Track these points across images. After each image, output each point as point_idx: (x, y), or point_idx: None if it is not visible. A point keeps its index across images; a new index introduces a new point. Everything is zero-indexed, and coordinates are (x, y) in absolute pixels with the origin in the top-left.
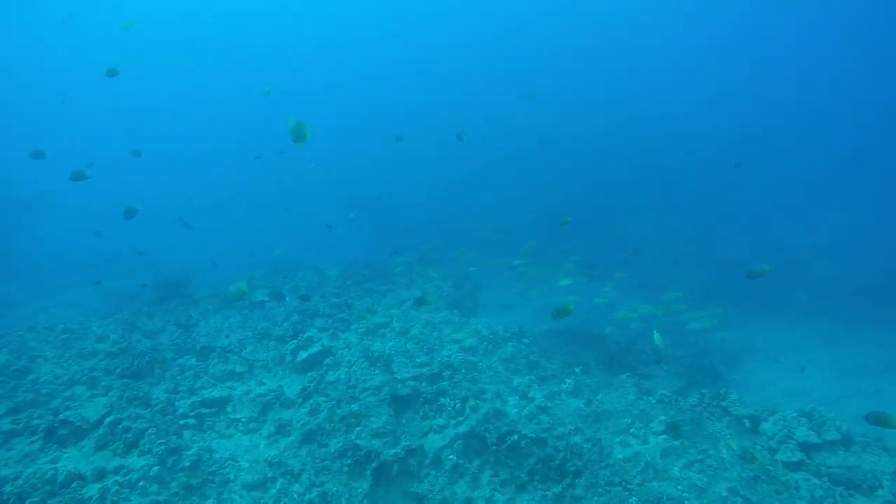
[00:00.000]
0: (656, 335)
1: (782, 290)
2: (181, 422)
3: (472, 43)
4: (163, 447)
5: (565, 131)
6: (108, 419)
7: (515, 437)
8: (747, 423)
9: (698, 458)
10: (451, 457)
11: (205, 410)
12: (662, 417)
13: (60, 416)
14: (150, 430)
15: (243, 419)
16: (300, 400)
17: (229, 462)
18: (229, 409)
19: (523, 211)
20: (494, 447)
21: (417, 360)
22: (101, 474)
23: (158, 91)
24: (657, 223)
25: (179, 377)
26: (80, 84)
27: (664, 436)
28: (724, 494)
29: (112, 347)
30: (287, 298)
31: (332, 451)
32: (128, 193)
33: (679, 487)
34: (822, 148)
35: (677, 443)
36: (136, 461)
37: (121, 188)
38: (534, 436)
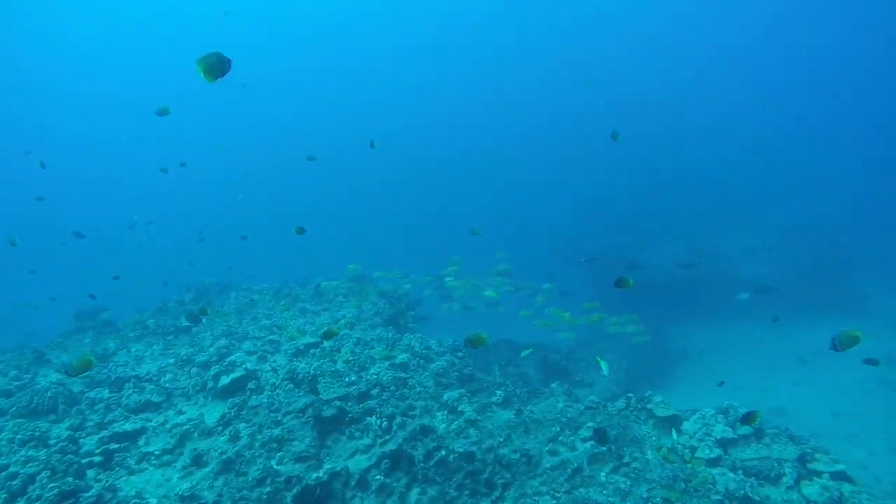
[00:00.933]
0: (602, 363)
1: (713, 293)
2: (84, 460)
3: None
4: (56, 491)
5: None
6: None
7: (443, 452)
8: (670, 424)
9: (624, 461)
10: (377, 477)
11: (114, 446)
12: (590, 424)
13: None
14: (43, 474)
15: (157, 452)
16: (220, 427)
17: (135, 500)
18: (142, 442)
19: (451, 226)
20: (422, 464)
21: (346, 379)
22: None
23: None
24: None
25: (87, 412)
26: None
27: (591, 442)
28: (645, 496)
29: (9, 385)
30: (204, 320)
31: (251, 479)
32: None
33: (605, 492)
34: (756, 152)
35: (604, 448)
36: None
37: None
38: (462, 450)
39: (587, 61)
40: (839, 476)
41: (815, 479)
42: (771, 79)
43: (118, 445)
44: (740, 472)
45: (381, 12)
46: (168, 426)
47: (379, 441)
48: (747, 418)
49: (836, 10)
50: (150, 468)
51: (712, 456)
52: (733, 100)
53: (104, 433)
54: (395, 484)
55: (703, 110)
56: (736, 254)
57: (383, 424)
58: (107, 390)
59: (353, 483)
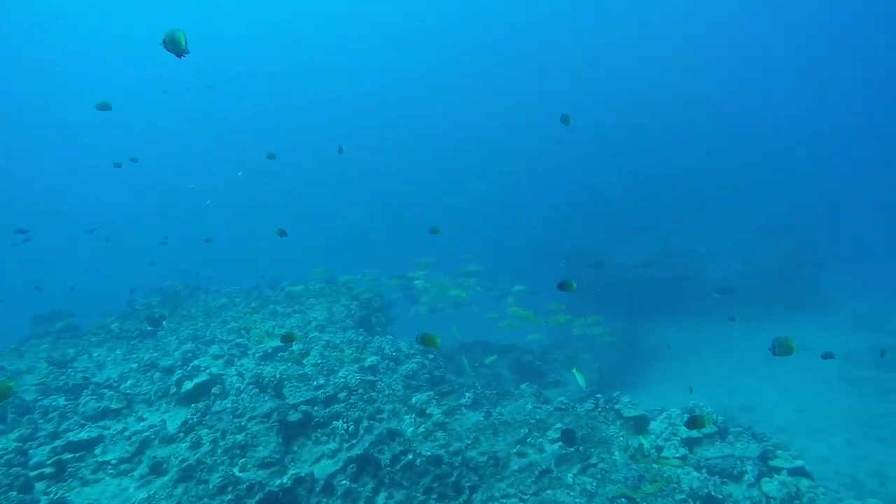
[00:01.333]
0: (578, 375)
1: (685, 292)
2: (33, 473)
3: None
4: None
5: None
6: None
7: (410, 456)
8: (638, 424)
9: (591, 462)
10: (343, 482)
11: (67, 456)
12: (559, 425)
13: None
14: None
15: (113, 461)
16: (181, 434)
17: None
18: (98, 451)
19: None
20: (388, 468)
21: (313, 382)
22: None
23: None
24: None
25: (40, 421)
26: None
27: (559, 443)
28: (611, 496)
29: None
30: (165, 324)
31: (212, 486)
32: None
33: (572, 493)
34: (729, 153)
35: (572, 449)
36: None
37: None
38: (429, 453)
39: (557, 63)
40: (798, 472)
41: (774, 475)
42: (744, 79)
43: (72, 455)
44: (704, 470)
45: (357, 5)
46: (127, 434)
47: (345, 445)
48: (693, 422)
49: (811, 9)
50: (107, 478)
51: (678, 455)
52: (708, 100)
53: (57, 443)
54: (362, 489)
55: (679, 111)
56: (706, 253)
57: (350, 428)
58: (63, 397)
59: (318, 489)
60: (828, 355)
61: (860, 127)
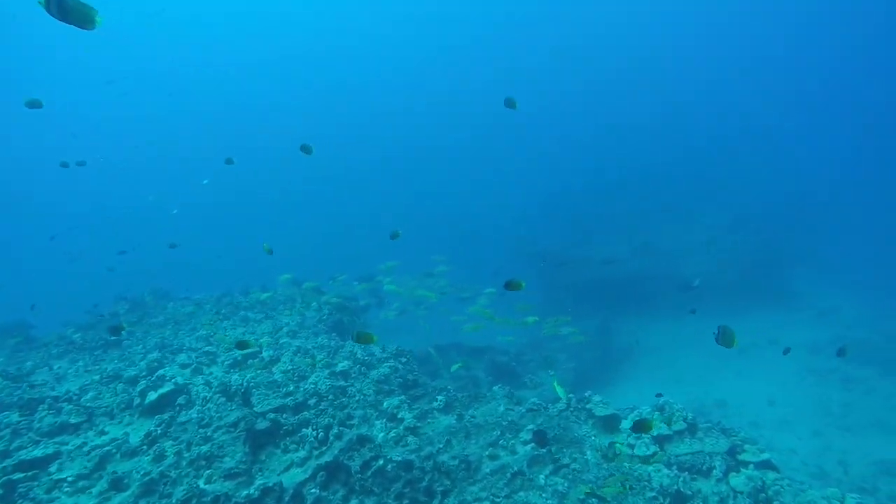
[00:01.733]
0: (559, 388)
1: (657, 289)
2: None
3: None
4: None
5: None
6: None
7: (381, 462)
8: (609, 423)
9: (563, 463)
10: (313, 490)
11: (18, 475)
12: (531, 426)
13: None
14: None
15: (70, 478)
16: (144, 447)
17: None
18: (54, 468)
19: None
20: (359, 475)
21: (282, 390)
22: None
23: None
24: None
25: None
26: None
27: (531, 444)
28: (582, 497)
29: None
30: (125, 333)
31: (175, 500)
32: None
33: (544, 495)
34: (702, 152)
35: (544, 450)
36: None
37: None
38: (400, 459)
39: (535, 65)
40: (765, 465)
41: (742, 469)
42: (716, 79)
43: (24, 475)
44: (674, 467)
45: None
46: (86, 449)
47: (315, 453)
48: (638, 427)
49: (785, 9)
50: (62, 497)
51: (648, 453)
52: (682, 100)
53: (7, 462)
54: (332, 497)
55: (656, 111)
56: (679, 251)
57: (319, 435)
58: (16, 413)
59: (286, 498)
60: (787, 350)
61: (834, 125)
